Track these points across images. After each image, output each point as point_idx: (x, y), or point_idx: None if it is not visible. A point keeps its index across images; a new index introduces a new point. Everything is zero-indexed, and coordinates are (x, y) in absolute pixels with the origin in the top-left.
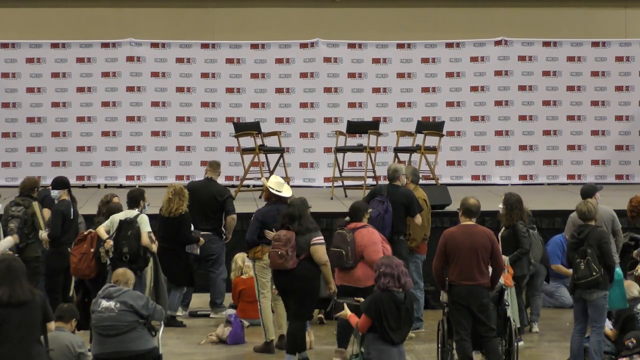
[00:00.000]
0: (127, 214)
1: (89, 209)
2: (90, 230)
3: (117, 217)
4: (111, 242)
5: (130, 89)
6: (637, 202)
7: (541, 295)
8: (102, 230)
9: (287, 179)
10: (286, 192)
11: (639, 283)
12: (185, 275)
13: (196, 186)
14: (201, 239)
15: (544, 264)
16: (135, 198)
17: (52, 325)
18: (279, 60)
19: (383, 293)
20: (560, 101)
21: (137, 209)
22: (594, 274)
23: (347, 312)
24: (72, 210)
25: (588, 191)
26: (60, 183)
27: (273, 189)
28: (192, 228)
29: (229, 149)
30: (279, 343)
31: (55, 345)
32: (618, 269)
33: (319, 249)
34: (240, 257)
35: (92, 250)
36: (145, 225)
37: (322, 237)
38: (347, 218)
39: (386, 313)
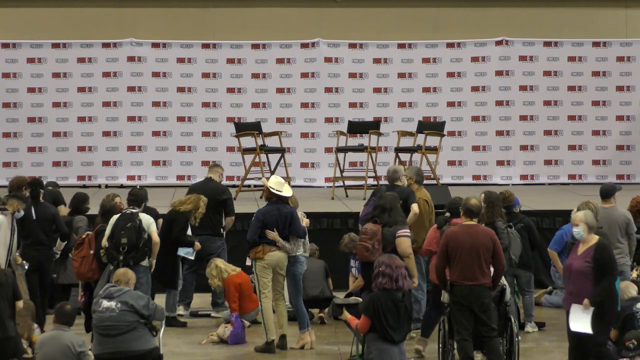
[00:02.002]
0: (125, 210)
1: (90, 210)
2: (88, 232)
3: (114, 217)
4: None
5: (131, 89)
6: (636, 203)
7: (532, 295)
8: (105, 240)
9: (287, 179)
10: (287, 192)
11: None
12: (168, 277)
13: (196, 187)
14: (197, 243)
15: (527, 270)
16: (140, 198)
17: (20, 303)
18: (279, 60)
19: (381, 292)
20: (561, 101)
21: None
22: None
23: (346, 315)
24: (32, 211)
25: (608, 191)
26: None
27: (274, 188)
28: (190, 233)
29: (230, 149)
30: (280, 343)
31: (56, 345)
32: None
33: (404, 241)
34: (219, 261)
35: (91, 252)
36: (153, 225)
37: (408, 231)
38: (447, 214)
39: (385, 312)
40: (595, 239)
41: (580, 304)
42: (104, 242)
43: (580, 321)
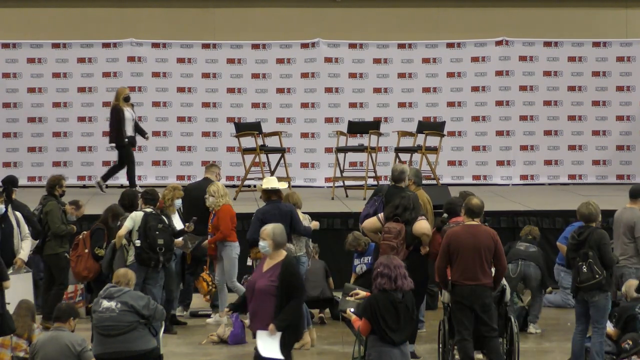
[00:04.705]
0: (146, 209)
1: (90, 209)
2: (84, 232)
3: (138, 213)
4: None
5: (131, 89)
6: None
7: (541, 297)
8: (123, 231)
9: (288, 179)
10: (281, 185)
11: None
12: None
13: (192, 187)
14: (177, 240)
15: (537, 264)
16: (156, 197)
17: (8, 284)
18: (279, 60)
19: (379, 293)
20: (561, 101)
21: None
22: (597, 276)
23: (350, 315)
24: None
25: (636, 192)
26: None
27: (268, 187)
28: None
29: (230, 149)
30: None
31: (56, 346)
32: None
33: (421, 222)
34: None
35: (86, 251)
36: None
37: (424, 217)
38: (445, 215)
39: (383, 313)
40: (282, 255)
41: (263, 324)
42: (123, 232)
43: (269, 346)
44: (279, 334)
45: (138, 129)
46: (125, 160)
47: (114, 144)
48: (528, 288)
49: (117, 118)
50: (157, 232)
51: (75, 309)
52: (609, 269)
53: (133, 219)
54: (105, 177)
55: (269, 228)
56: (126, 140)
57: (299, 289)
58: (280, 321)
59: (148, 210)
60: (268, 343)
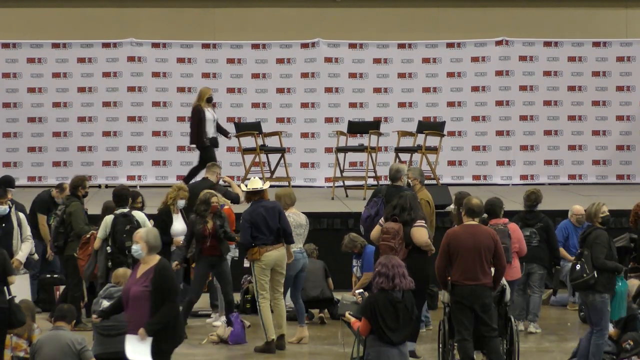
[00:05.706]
0: (118, 210)
1: (91, 210)
2: (92, 232)
3: (108, 218)
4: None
5: (131, 89)
6: (638, 207)
7: (541, 295)
8: (98, 242)
9: (288, 179)
10: (258, 184)
11: None
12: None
13: (190, 187)
14: (176, 239)
15: (541, 264)
16: (124, 197)
17: (12, 278)
18: (279, 60)
19: (378, 293)
20: (561, 101)
21: (126, 207)
22: (584, 275)
23: (349, 318)
24: None
25: None
26: None
27: (249, 189)
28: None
29: (230, 149)
30: (278, 343)
31: (56, 345)
32: (621, 279)
33: (417, 230)
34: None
35: None
36: (146, 221)
37: (423, 221)
38: (485, 215)
39: (382, 313)
40: (155, 259)
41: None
42: (97, 244)
43: (139, 351)
44: (149, 339)
45: (220, 129)
46: (206, 160)
47: (194, 145)
48: (530, 282)
49: (197, 118)
50: (124, 235)
51: (75, 310)
52: (602, 271)
53: (104, 227)
54: (187, 179)
55: (142, 231)
56: (206, 140)
57: (172, 293)
58: (150, 325)
59: (118, 212)
60: (137, 348)
